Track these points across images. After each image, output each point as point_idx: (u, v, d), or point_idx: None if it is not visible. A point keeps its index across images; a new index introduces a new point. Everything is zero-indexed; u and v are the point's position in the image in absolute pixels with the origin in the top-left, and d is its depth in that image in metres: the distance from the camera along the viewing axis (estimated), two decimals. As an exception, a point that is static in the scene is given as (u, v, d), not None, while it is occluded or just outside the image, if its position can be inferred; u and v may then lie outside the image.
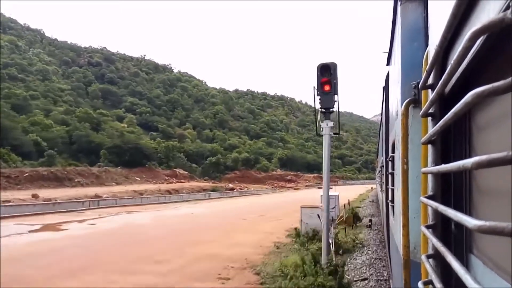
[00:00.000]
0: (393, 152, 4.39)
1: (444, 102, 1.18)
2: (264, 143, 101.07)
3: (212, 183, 65.20)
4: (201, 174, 75.55)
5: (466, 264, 1.10)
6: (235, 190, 57.14)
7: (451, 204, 0.97)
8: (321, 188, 45.15)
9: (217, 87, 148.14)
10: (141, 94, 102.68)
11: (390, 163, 5.05)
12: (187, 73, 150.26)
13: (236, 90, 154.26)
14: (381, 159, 10.15)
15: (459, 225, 1.17)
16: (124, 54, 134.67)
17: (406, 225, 2.21)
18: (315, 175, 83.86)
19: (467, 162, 0.69)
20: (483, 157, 0.61)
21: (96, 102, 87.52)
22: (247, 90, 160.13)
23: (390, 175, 5.13)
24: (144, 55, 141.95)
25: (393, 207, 4.59)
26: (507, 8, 0.60)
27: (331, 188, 52.28)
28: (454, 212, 0.82)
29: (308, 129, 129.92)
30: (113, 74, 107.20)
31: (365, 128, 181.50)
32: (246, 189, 61.09)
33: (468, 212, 1.12)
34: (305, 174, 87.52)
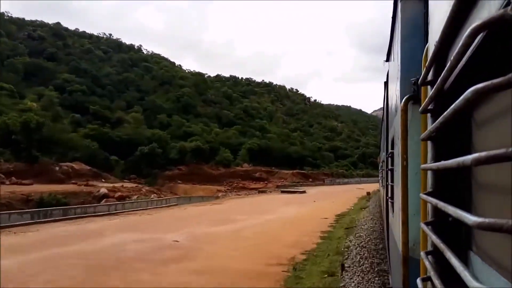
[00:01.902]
0: (392, 148, 4.40)
1: (443, 98, 1.18)
2: (236, 132, 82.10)
3: (124, 182, 46.58)
4: (127, 170, 55.44)
5: (465, 261, 1.10)
6: (107, 202, 32.35)
7: (450, 201, 0.97)
8: (286, 192, 39.94)
9: (192, 70, 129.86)
10: (85, 72, 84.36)
11: (389, 159, 5.06)
12: (159, 55, 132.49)
13: (217, 75, 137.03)
14: (383, 155, 10.17)
15: (459, 222, 1.17)
16: (84, 31, 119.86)
17: (405, 222, 2.21)
18: (296, 171, 69.90)
19: (467, 158, 0.69)
20: (483, 154, 0.61)
21: (12, 76, 67.94)
22: (230, 75, 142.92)
23: (389, 172, 5.13)
24: (110, 34, 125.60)
25: (392, 203, 4.60)
26: (508, 4, 0.59)
27: (302, 192, 42.19)
28: (454, 209, 0.82)
29: (297, 119, 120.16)
30: (55, 49, 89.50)
31: (363, 120, 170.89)
32: (138, 197, 36.87)
33: (468, 209, 1.12)
34: (282, 170, 67.79)
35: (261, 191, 50.47)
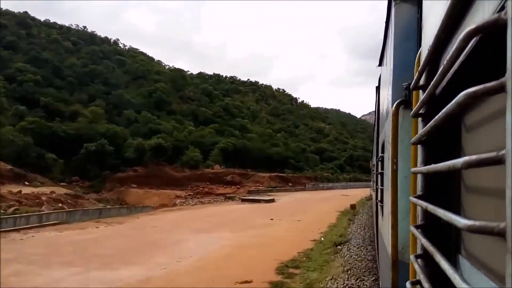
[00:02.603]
0: (383, 152, 4.43)
1: (435, 102, 1.18)
2: (212, 131, 74.37)
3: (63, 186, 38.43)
4: (69, 171, 46.81)
5: (454, 264, 1.11)
6: None
7: (440, 204, 0.98)
8: (248, 201, 34.89)
9: (171, 66, 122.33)
10: (46, 62, 76.95)
11: (379, 163, 5.09)
12: (137, 49, 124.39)
13: (200, 73, 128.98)
14: (375, 160, 10.24)
15: (448, 225, 1.18)
16: (55, 22, 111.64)
17: (394, 225, 2.23)
18: (274, 174, 60.88)
19: (457, 162, 0.69)
20: (473, 157, 0.61)
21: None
22: (213, 73, 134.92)
23: (379, 175, 5.17)
24: (84, 27, 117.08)
25: (382, 207, 4.62)
26: (502, 9, 0.60)
27: (269, 201, 36.45)
28: (444, 212, 0.82)
29: (283, 119, 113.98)
30: (15, 38, 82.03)
31: (352, 123, 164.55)
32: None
33: (457, 212, 1.13)
34: (259, 173, 59.32)
35: (229, 197, 41.72)
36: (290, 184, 59.65)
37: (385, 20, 4.16)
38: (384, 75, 4.93)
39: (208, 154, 62.27)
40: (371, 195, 22.55)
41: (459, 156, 1.11)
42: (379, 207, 5.48)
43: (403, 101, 2.37)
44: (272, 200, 35.24)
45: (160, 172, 50.90)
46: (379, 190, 5.46)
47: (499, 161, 0.54)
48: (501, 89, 0.56)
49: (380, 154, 5.01)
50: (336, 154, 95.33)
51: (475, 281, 0.88)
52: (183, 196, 43.89)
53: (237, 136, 76.24)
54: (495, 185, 0.76)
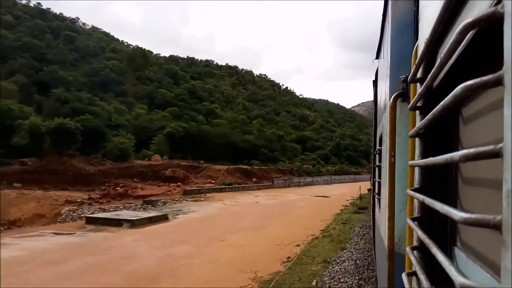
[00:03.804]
0: (380, 145, 4.44)
1: (432, 95, 1.19)
2: (168, 115, 60.78)
3: None
4: None
5: (449, 256, 1.12)
6: None
7: (437, 197, 0.99)
8: (83, 225, 15.93)
9: (134, 45, 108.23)
10: None
11: (377, 156, 5.11)
12: (99, 29, 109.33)
13: (171, 56, 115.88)
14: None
15: (444, 218, 1.19)
16: None
17: (391, 218, 2.24)
18: (235, 167, 46.52)
19: (455, 155, 0.69)
20: (471, 150, 0.61)
21: None
22: (187, 56, 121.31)
23: (377, 168, 5.19)
24: (39, 4, 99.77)
25: (379, 199, 4.65)
26: (499, 2, 0.60)
27: (163, 217, 21.20)
28: (441, 205, 0.83)
29: (261, 105, 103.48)
30: None
31: (341, 112, 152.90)
32: None
33: (454, 205, 1.14)
34: (215, 166, 45.49)
35: (148, 202, 27.83)
36: (254, 179, 45.89)
37: (382, 13, 4.15)
38: (381, 68, 4.93)
39: (144, 141, 48.09)
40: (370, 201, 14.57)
41: (456, 149, 1.12)
42: (376, 199, 5.52)
43: (401, 94, 2.37)
44: (159, 220, 18.13)
45: (62, 165, 34.79)
46: (376, 182, 5.49)
47: (496, 154, 0.54)
48: (498, 82, 0.56)
49: (377, 147, 5.03)
50: (321, 143, 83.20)
51: (470, 273, 0.89)
52: (78, 200, 28.53)
53: (200, 121, 63.48)
54: (491, 178, 0.77)
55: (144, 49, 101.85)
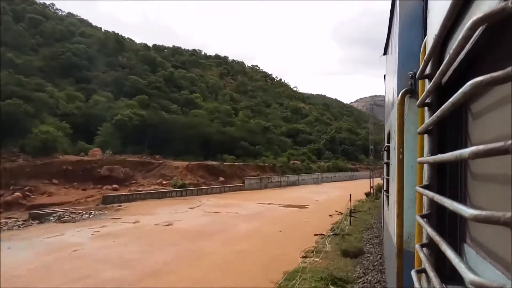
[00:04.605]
0: (388, 142, 4.42)
1: (441, 92, 1.18)
2: (135, 103, 53.27)
3: None
4: None
5: (459, 253, 1.11)
6: None
7: (446, 194, 0.98)
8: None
9: (111, 31, 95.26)
10: None
11: (385, 153, 5.08)
12: (77, 16, 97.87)
13: (154, 45, 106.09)
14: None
15: (453, 215, 1.19)
16: None
17: (400, 215, 2.23)
18: (198, 163, 37.66)
19: (464, 152, 0.69)
20: (481, 147, 0.61)
21: None
22: (173, 46, 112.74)
23: (385, 165, 5.16)
24: None
25: (387, 197, 4.63)
26: None
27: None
28: (450, 202, 0.83)
29: (250, 96, 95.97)
30: None
31: (338, 106, 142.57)
32: None
33: (463, 201, 1.13)
34: (174, 162, 36.93)
35: (34, 217, 19.35)
36: (222, 178, 37.07)
37: (389, 9, 4.12)
38: (389, 64, 4.90)
39: (86, 134, 40.82)
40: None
41: (465, 146, 1.11)
42: (384, 196, 5.49)
43: (409, 90, 2.36)
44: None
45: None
46: (384, 180, 5.46)
47: (506, 151, 0.54)
48: (508, 78, 0.56)
49: (386, 144, 5.00)
50: (314, 136, 75.46)
51: (480, 270, 0.88)
52: None
53: (173, 111, 56.18)
54: (501, 174, 0.76)
55: (119, 34, 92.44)
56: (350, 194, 17.02)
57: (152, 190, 29.45)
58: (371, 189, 27.11)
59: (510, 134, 0.54)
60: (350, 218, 15.26)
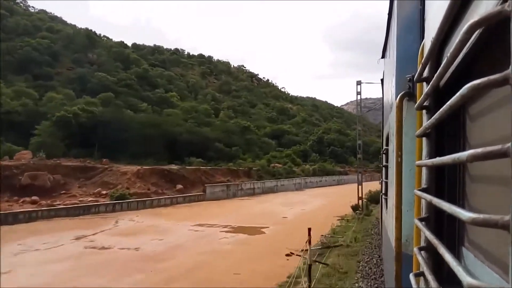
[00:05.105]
0: (387, 145, 4.42)
1: (439, 95, 1.18)
2: (96, 101, 47.33)
3: None
4: None
5: (457, 256, 1.11)
6: None
7: (444, 197, 0.98)
8: None
9: (82, 27, 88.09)
10: None
11: (384, 156, 5.09)
12: (47, 11, 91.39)
13: (134, 43, 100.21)
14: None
15: (452, 218, 1.18)
16: None
17: (398, 218, 2.23)
18: (152, 167, 31.67)
19: (463, 155, 0.69)
20: (479, 150, 0.61)
21: None
22: (154, 45, 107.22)
23: (384, 168, 5.17)
24: None
25: (386, 200, 4.63)
26: (505, 1, 0.59)
27: None
28: (448, 205, 0.82)
29: (234, 96, 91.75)
30: None
31: (328, 108, 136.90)
32: None
33: (462, 204, 1.13)
34: (122, 167, 30.83)
35: None
36: (179, 186, 31.12)
37: (387, 12, 4.13)
38: (387, 67, 4.91)
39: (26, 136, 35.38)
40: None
41: (463, 149, 1.11)
42: (383, 200, 5.49)
43: (407, 93, 2.36)
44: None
45: None
46: (383, 183, 5.46)
47: (504, 154, 0.54)
48: (505, 81, 0.56)
49: (384, 147, 5.01)
50: (300, 137, 71.16)
51: (479, 273, 0.88)
52: None
53: (142, 110, 51.81)
54: (499, 177, 0.76)
55: (90, 30, 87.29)
56: (309, 229, 7.61)
57: (74, 204, 22.89)
58: (360, 200, 20.95)
59: (508, 137, 0.54)
60: (310, 275, 7.34)
